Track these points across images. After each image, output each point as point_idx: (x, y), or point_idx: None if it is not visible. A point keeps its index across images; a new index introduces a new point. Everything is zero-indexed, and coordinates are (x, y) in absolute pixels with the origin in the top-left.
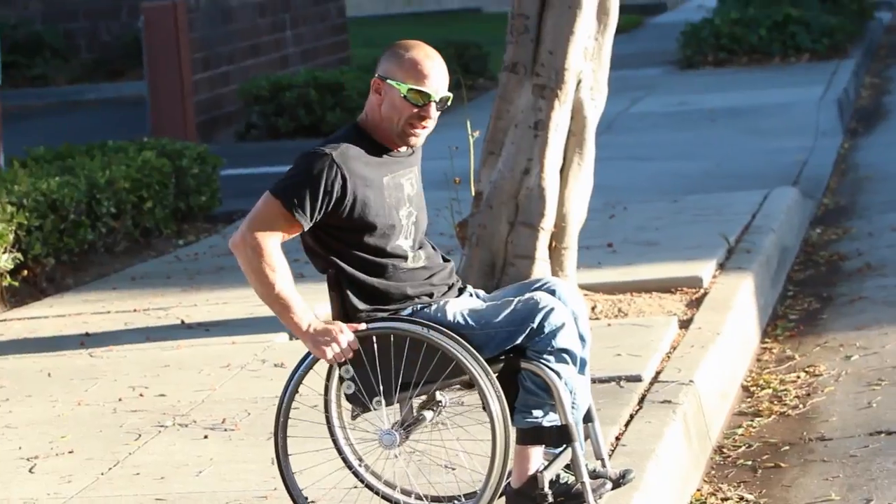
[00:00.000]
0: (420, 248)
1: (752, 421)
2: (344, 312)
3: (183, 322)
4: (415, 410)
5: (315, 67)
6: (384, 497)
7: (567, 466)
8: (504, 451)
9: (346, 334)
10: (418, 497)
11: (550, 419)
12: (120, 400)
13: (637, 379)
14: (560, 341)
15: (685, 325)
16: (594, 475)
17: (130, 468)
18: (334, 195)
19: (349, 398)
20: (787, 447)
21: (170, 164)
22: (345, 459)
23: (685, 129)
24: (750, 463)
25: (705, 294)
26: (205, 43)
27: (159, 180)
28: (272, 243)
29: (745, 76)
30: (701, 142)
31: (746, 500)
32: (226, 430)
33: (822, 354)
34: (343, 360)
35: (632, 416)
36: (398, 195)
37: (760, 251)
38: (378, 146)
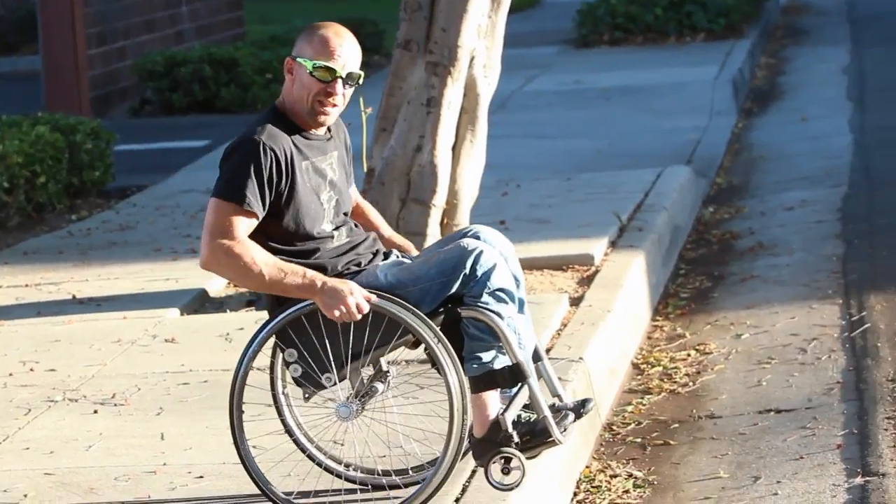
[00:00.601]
0: (342, 225)
1: (641, 398)
2: (276, 298)
3: (74, 297)
4: (366, 382)
5: (210, 43)
6: (328, 470)
7: (525, 406)
8: (462, 407)
9: (356, 295)
10: (372, 472)
11: (501, 361)
12: (10, 375)
13: None
14: (495, 281)
15: (576, 302)
16: (554, 409)
17: (20, 443)
18: (274, 177)
19: (297, 381)
20: (676, 425)
21: (63, 139)
22: (292, 436)
23: (579, 107)
24: (639, 440)
25: (597, 272)
26: (100, 17)
27: (52, 155)
28: (240, 241)
29: (640, 55)
30: (595, 120)
31: (635, 478)
32: (115, 405)
33: (713, 333)
34: (351, 319)
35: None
36: (319, 180)
37: (652, 229)
38: (296, 128)
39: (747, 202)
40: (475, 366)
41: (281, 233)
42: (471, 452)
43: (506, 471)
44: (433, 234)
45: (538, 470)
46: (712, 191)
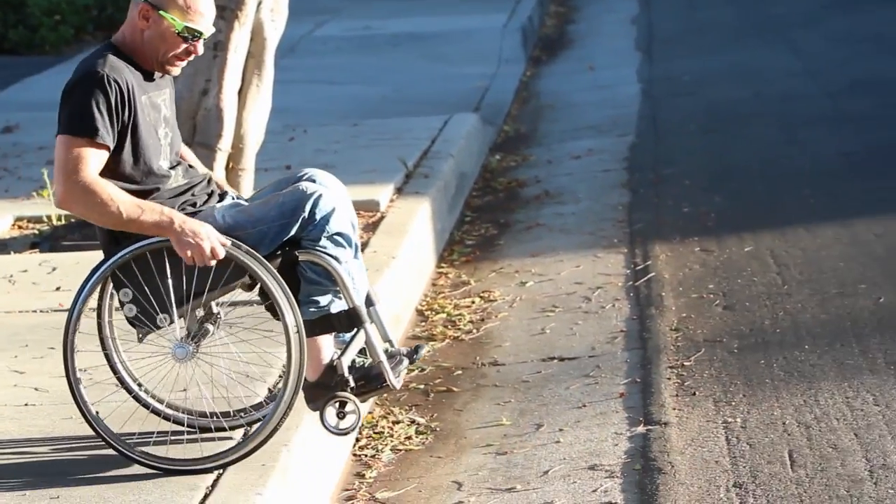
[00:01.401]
0: (177, 165)
1: (425, 345)
2: (113, 238)
3: None
4: (198, 323)
5: None
6: (155, 413)
7: (360, 351)
8: (300, 351)
9: (212, 239)
10: (204, 415)
11: (337, 305)
12: None
13: None
14: (333, 225)
15: (361, 248)
16: (388, 355)
17: None
18: (119, 109)
19: (131, 321)
20: (459, 371)
21: None
22: (121, 381)
23: (368, 53)
24: (422, 387)
25: (382, 218)
26: None
27: None
28: (95, 178)
29: (430, 2)
30: (383, 67)
31: (418, 424)
32: None
33: (498, 280)
34: (207, 262)
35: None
36: (156, 115)
37: (438, 176)
38: (135, 65)
39: (534, 150)
40: (312, 309)
41: (121, 169)
42: (302, 393)
43: (341, 415)
44: (218, 178)
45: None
46: (499, 139)
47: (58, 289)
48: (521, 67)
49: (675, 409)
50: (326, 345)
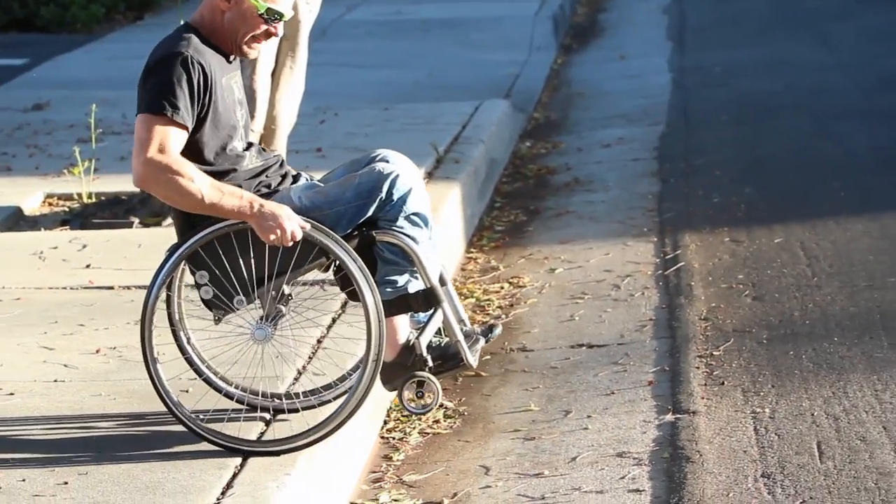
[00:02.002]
0: (250, 146)
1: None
2: (188, 220)
3: None
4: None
5: None
6: (228, 396)
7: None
8: (379, 331)
9: (293, 221)
10: (287, 396)
11: (414, 285)
12: None
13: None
14: (411, 206)
15: None
16: (464, 334)
17: None
18: (201, 91)
19: (207, 303)
20: (488, 356)
21: None
22: (189, 360)
23: (399, 38)
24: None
25: None
26: None
27: None
28: (176, 158)
29: None
30: (414, 52)
31: (446, 408)
32: None
33: (527, 266)
34: (286, 244)
35: (334, 321)
36: (232, 97)
37: (469, 162)
38: (214, 47)
39: (564, 138)
40: (389, 289)
41: (200, 151)
42: (379, 374)
43: (419, 395)
44: None
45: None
46: (530, 126)
47: (88, 266)
48: (551, 55)
49: (703, 398)
50: (403, 325)
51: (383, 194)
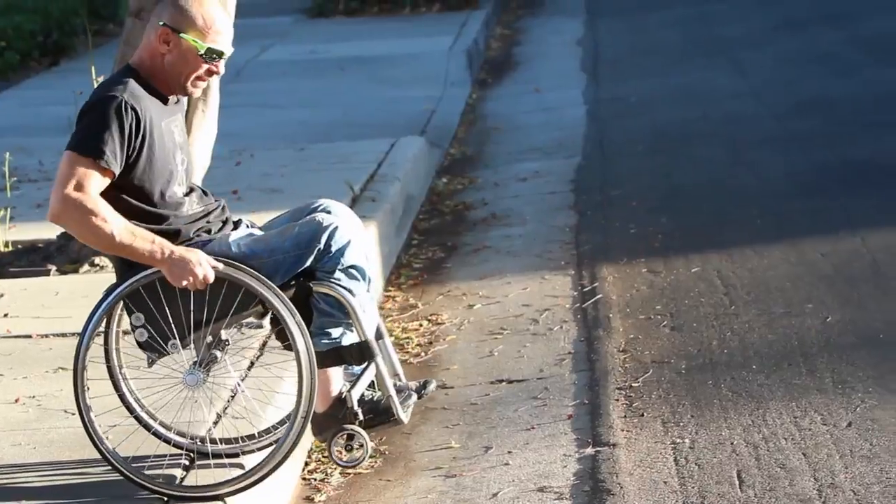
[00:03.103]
0: (191, 191)
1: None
2: (126, 262)
3: None
4: (209, 350)
5: None
6: (173, 444)
7: (368, 384)
8: (311, 383)
9: (204, 265)
10: (212, 441)
11: (349, 338)
12: None
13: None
14: (349, 258)
15: None
16: (396, 389)
17: None
18: (134, 136)
19: (142, 345)
20: None
21: None
22: (129, 408)
23: (314, 77)
24: None
25: None
26: None
27: None
28: (94, 198)
29: (375, 26)
30: (329, 90)
31: (373, 447)
32: None
33: (446, 303)
34: (196, 288)
35: (252, 364)
36: (172, 141)
37: (385, 199)
38: (155, 91)
39: (481, 173)
40: (324, 341)
41: (136, 194)
42: (311, 425)
43: (349, 447)
44: None
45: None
46: (446, 161)
47: (5, 315)
48: (467, 90)
49: (623, 430)
50: (336, 377)
51: (321, 245)
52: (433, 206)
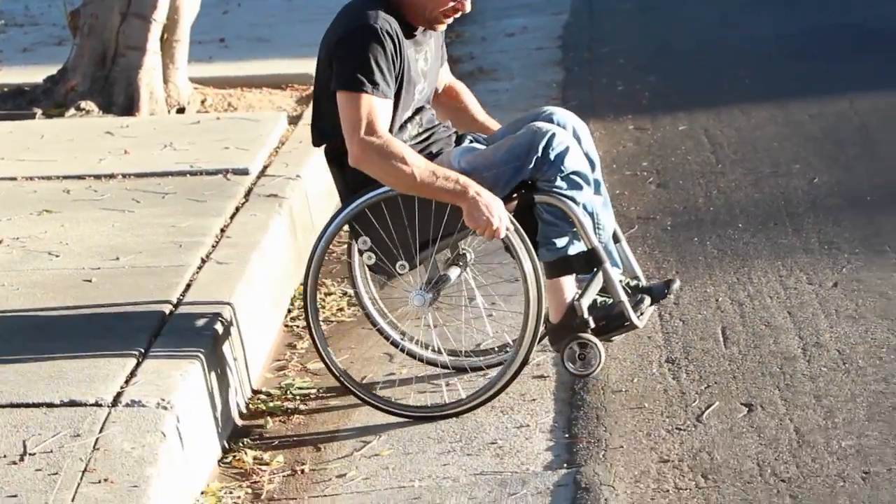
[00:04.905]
0: (419, 112)
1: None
2: (349, 186)
3: None
4: (440, 269)
5: None
6: (423, 360)
7: (602, 290)
8: (538, 299)
9: (503, 219)
10: (454, 353)
11: (576, 247)
12: None
13: (244, 172)
14: (568, 165)
15: (294, 121)
16: (635, 290)
17: None
18: (395, 63)
19: (372, 268)
20: None
21: None
22: (369, 316)
23: None
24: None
25: None
26: None
27: None
28: (388, 139)
29: None
30: None
31: (349, 295)
32: None
33: None
34: (493, 238)
35: (237, 209)
36: (417, 71)
37: None
38: (404, 23)
39: (468, 28)
40: (549, 251)
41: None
42: (547, 336)
43: (581, 356)
44: (153, 50)
45: (252, 282)
46: None
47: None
48: None
49: None
50: (569, 286)
51: (539, 154)
52: None
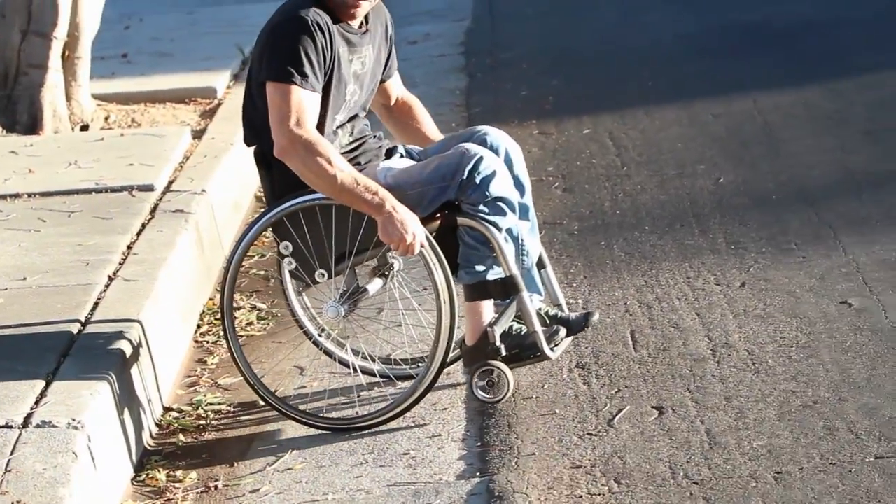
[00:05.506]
0: (350, 120)
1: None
2: (274, 191)
3: None
4: (359, 280)
5: None
6: (342, 362)
7: (519, 317)
8: (450, 317)
9: (418, 236)
10: (374, 359)
11: (494, 272)
12: None
13: (149, 188)
14: (493, 190)
15: (199, 135)
16: (555, 320)
17: None
18: (324, 58)
19: (292, 274)
20: None
21: None
22: (299, 324)
23: None
24: (263, 273)
25: (219, 104)
26: None
27: None
28: (317, 136)
29: None
30: None
31: (259, 310)
32: None
33: None
34: (407, 254)
35: (144, 226)
36: (349, 71)
37: None
38: (334, 17)
39: None
40: (468, 274)
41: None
42: (462, 357)
43: (490, 383)
44: (54, 67)
45: (160, 301)
46: None
47: None
48: None
49: None
50: (486, 310)
51: (465, 176)
52: None
